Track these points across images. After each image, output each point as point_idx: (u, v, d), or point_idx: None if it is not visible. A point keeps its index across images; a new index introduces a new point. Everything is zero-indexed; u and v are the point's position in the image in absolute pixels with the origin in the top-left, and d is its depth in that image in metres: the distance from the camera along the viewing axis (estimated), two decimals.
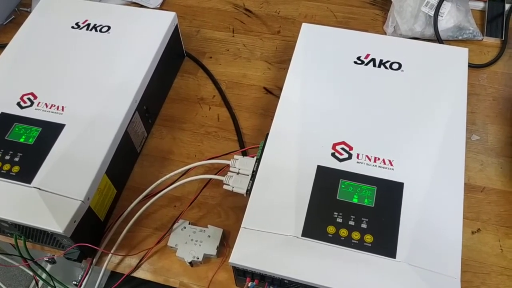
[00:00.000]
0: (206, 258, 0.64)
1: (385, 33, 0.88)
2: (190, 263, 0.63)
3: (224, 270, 0.63)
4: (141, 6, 0.96)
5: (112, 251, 0.64)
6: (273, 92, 0.81)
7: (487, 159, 0.71)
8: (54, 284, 0.65)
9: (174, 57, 0.83)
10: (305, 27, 0.74)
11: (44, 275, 0.70)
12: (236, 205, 0.69)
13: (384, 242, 0.53)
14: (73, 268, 1.09)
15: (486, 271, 0.62)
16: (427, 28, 0.85)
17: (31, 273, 0.69)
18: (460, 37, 0.85)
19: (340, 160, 0.59)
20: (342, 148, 0.60)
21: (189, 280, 0.63)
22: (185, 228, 0.65)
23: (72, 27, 0.77)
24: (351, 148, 0.60)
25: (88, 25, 0.77)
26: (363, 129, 0.62)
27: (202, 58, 0.87)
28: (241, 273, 0.56)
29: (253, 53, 0.87)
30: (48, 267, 0.87)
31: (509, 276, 0.61)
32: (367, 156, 0.60)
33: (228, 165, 0.65)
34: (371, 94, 0.66)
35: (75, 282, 0.95)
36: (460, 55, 0.70)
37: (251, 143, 0.75)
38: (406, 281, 0.51)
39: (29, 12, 0.96)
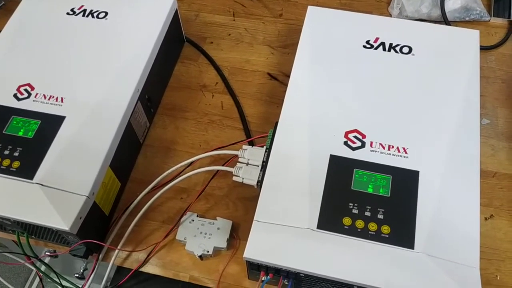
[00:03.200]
0: (216, 251, 0.62)
1: (390, 15, 0.86)
2: (200, 256, 0.62)
3: (235, 263, 0.62)
4: None
5: (119, 247, 0.63)
6: (277, 78, 0.79)
7: (498, 143, 0.70)
8: (60, 281, 0.64)
9: (174, 43, 0.80)
10: (311, 10, 0.71)
11: (43, 268, 0.68)
12: (244, 196, 0.67)
13: (402, 233, 0.52)
14: (73, 260, 1.07)
15: (500, 258, 0.61)
16: (433, 10, 0.83)
17: (34, 269, 0.67)
18: (467, 18, 0.83)
19: (353, 149, 0.58)
20: (355, 136, 0.59)
21: (199, 273, 0.62)
22: (193, 221, 0.64)
23: (68, 14, 0.74)
24: (364, 136, 0.59)
25: (84, 11, 0.74)
26: (376, 116, 0.61)
27: (202, 43, 0.84)
28: (255, 267, 0.54)
29: (256, 38, 0.84)
30: (47, 260, 0.85)
31: None
32: (380, 144, 0.58)
33: (235, 156, 0.63)
34: (382, 80, 0.64)
35: (77, 275, 0.94)
36: (471, 37, 0.68)
37: (257, 131, 0.73)
38: (425, 272, 0.50)
39: None
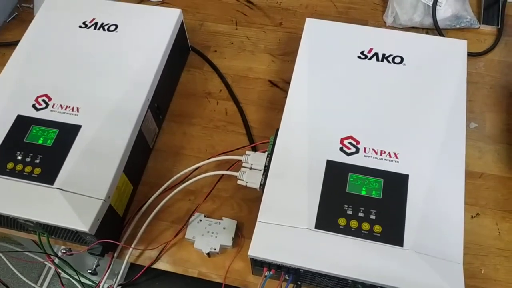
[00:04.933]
0: (223, 249, 0.67)
1: (385, 23, 0.90)
2: (208, 254, 0.67)
3: (240, 259, 0.67)
4: (143, 0, 0.97)
5: (133, 246, 0.68)
6: (278, 85, 0.84)
7: (485, 146, 0.75)
8: (79, 278, 0.69)
9: (180, 52, 0.85)
10: (309, 23, 0.76)
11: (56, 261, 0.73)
12: (248, 197, 0.72)
13: (392, 232, 0.57)
14: (84, 257, 1.12)
15: (484, 253, 0.66)
16: (425, 18, 0.87)
17: (52, 266, 0.72)
18: (457, 26, 0.88)
19: (348, 154, 0.63)
20: (350, 143, 0.63)
21: (207, 269, 0.67)
22: (201, 221, 0.69)
23: (80, 27, 0.79)
24: (358, 142, 0.63)
25: (96, 24, 0.79)
26: (369, 123, 0.65)
27: (207, 52, 0.88)
28: (258, 264, 0.59)
29: (257, 46, 0.89)
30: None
31: (506, 257, 0.66)
32: (373, 149, 0.63)
33: (239, 161, 0.68)
34: (375, 89, 0.68)
35: (90, 271, 0.99)
36: (459, 47, 0.73)
37: (259, 136, 0.78)
38: (413, 268, 0.55)
39: (32, 9, 0.97)
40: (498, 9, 0.89)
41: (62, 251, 0.79)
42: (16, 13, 0.98)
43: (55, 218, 0.60)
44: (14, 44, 0.78)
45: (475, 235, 0.68)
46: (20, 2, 0.99)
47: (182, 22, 0.81)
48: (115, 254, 0.68)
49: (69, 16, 0.80)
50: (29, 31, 0.79)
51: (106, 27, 0.78)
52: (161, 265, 0.68)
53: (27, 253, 0.83)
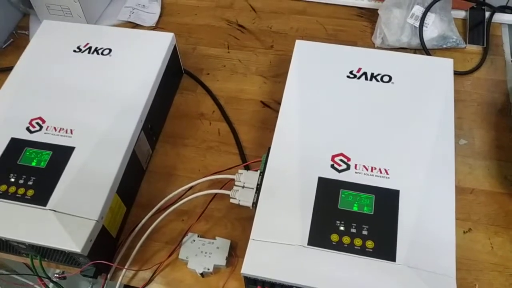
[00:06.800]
0: (216, 269, 0.67)
1: (373, 44, 0.92)
2: (201, 274, 0.66)
3: (234, 279, 0.67)
4: (137, 25, 0.99)
5: (126, 266, 0.67)
6: (270, 106, 0.85)
7: (475, 162, 0.76)
8: None
9: (173, 75, 0.86)
10: (299, 44, 0.78)
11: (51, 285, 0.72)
12: (241, 216, 0.72)
13: (384, 247, 0.57)
14: (78, 282, 1.11)
15: (478, 268, 0.66)
16: (413, 39, 0.89)
17: None
18: (444, 46, 0.90)
19: (339, 171, 0.63)
20: (341, 160, 0.64)
21: None
22: (194, 241, 0.69)
23: (74, 51, 0.80)
24: (349, 159, 0.64)
25: (90, 48, 0.80)
26: (359, 140, 0.66)
27: (199, 74, 0.90)
28: (252, 282, 0.59)
29: (249, 68, 0.91)
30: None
31: (500, 272, 0.66)
32: (364, 166, 0.63)
33: (232, 179, 0.69)
34: (364, 107, 0.70)
35: None
36: (446, 66, 0.74)
37: (252, 155, 0.79)
38: (406, 282, 0.55)
39: (27, 35, 0.99)
40: (483, 29, 0.91)
41: (56, 275, 0.78)
42: (12, 39, 0.99)
43: (48, 240, 0.60)
44: (10, 69, 0.79)
45: (468, 250, 0.68)
46: (16, 29, 1.01)
47: (175, 46, 0.83)
48: (108, 276, 0.68)
49: (64, 41, 0.81)
50: (24, 55, 0.80)
51: (100, 51, 0.80)
52: (155, 286, 0.68)
53: (19, 278, 0.82)
